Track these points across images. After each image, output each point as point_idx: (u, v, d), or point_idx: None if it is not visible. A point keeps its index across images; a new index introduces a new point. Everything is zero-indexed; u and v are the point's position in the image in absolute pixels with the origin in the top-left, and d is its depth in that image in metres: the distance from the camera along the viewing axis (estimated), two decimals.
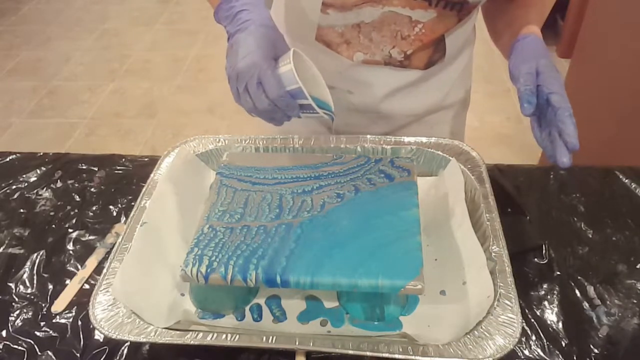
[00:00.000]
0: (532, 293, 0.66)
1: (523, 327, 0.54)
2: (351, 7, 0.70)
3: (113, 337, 0.55)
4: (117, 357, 0.61)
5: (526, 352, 0.60)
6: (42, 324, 0.65)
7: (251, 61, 0.55)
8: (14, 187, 0.86)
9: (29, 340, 0.63)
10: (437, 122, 0.87)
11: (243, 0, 0.60)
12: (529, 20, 0.68)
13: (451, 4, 0.69)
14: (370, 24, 0.72)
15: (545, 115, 0.59)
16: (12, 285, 0.70)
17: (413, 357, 0.52)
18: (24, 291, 0.69)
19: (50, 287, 0.70)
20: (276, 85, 0.55)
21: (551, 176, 0.84)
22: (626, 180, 0.82)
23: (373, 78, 0.78)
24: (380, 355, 0.52)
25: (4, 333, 0.64)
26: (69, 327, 0.65)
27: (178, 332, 0.56)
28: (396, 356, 0.52)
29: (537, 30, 0.66)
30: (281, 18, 0.82)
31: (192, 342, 0.54)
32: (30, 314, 0.66)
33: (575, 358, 0.60)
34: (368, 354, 0.53)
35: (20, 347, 0.63)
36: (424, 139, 0.76)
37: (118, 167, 0.89)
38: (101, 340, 0.63)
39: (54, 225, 0.79)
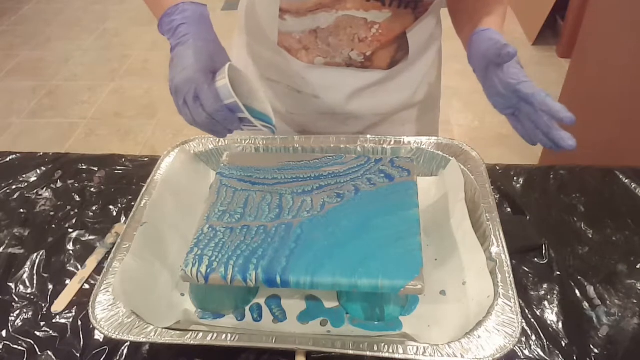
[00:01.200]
0: (532, 293, 0.66)
1: (523, 327, 0.54)
2: (306, 13, 0.70)
3: (113, 337, 0.55)
4: (117, 357, 0.61)
5: (526, 352, 0.60)
6: (42, 324, 0.65)
7: (188, 75, 0.56)
8: (14, 187, 0.86)
9: (29, 340, 0.63)
10: (408, 120, 0.87)
11: (183, 14, 0.60)
12: (489, 11, 0.67)
13: (405, 3, 0.69)
14: (326, 29, 0.72)
15: (520, 109, 0.58)
16: (12, 285, 0.70)
17: (413, 357, 0.52)
18: (24, 291, 0.69)
19: (50, 287, 0.70)
20: (213, 99, 0.55)
21: (551, 176, 0.84)
22: (626, 180, 0.82)
23: (336, 80, 0.77)
24: (380, 355, 0.52)
25: (4, 333, 0.64)
26: (69, 327, 0.65)
27: (178, 332, 0.56)
28: (396, 356, 0.52)
29: (496, 22, 0.66)
30: (242, 24, 0.82)
31: (192, 342, 0.54)
32: (30, 314, 0.66)
33: (575, 358, 0.60)
34: (368, 354, 0.53)
35: (20, 347, 0.63)
36: (424, 139, 0.76)
37: (118, 167, 0.89)
38: (101, 340, 0.63)
39: (54, 225, 0.79)
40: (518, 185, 0.82)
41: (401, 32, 0.73)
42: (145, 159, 0.90)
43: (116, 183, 0.86)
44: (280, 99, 0.83)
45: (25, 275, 0.71)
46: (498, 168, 0.85)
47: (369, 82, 0.78)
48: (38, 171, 0.89)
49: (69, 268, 0.72)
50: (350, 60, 0.75)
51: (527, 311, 0.64)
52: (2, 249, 0.75)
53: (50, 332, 0.64)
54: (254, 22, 0.79)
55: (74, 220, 0.80)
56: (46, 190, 0.85)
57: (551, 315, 0.64)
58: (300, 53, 0.76)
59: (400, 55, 0.77)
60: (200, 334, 0.55)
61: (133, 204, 0.70)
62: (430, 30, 0.78)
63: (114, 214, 0.81)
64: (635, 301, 0.65)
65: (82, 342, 0.63)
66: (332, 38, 0.73)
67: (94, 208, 0.82)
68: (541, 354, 0.60)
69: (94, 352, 0.62)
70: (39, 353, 0.62)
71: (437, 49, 0.84)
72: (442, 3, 0.77)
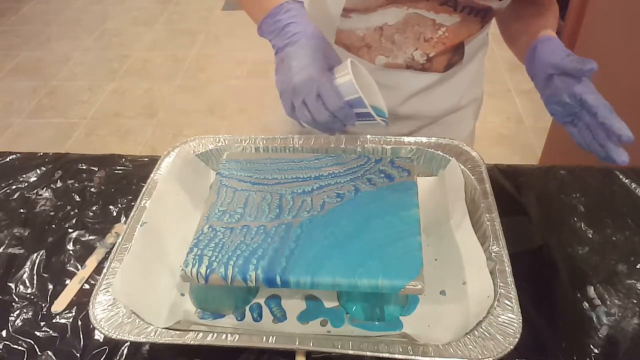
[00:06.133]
0: (532, 293, 0.66)
1: (523, 327, 0.54)
2: (375, 9, 0.70)
3: (113, 337, 0.55)
4: (117, 357, 0.61)
5: (526, 352, 0.60)
6: (42, 324, 0.65)
7: (308, 75, 0.55)
8: (14, 187, 0.86)
9: (29, 340, 0.63)
10: (453, 123, 0.87)
11: (290, 13, 0.59)
12: (546, 24, 0.68)
13: (476, 10, 0.69)
14: (393, 26, 0.71)
15: (581, 118, 0.58)
16: (12, 285, 0.70)
17: (413, 357, 0.52)
18: (24, 291, 0.69)
19: (50, 287, 0.70)
20: (336, 97, 0.54)
21: (551, 176, 0.84)
22: (626, 180, 0.82)
23: (394, 82, 0.77)
24: (380, 355, 0.52)
25: (4, 333, 0.64)
26: (69, 327, 0.65)
27: (178, 332, 0.56)
28: (396, 356, 0.52)
29: (555, 35, 0.66)
30: None
31: (192, 342, 0.54)
32: (30, 314, 0.66)
33: (575, 358, 0.60)
34: (368, 354, 0.53)
35: (20, 347, 0.63)
36: (424, 139, 0.76)
37: (118, 167, 0.89)
38: (101, 340, 0.63)
39: (54, 225, 0.79)
40: (518, 185, 0.82)
41: (466, 38, 0.73)
42: (145, 159, 0.90)
43: (116, 183, 0.86)
44: None
45: (25, 275, 0.71)
46: (498, 168, 0.85)
47: (425, 85, 0.78)
48: (38, 171, 0.89)
49: (69, 268, 0.72)
50: (413, 60, 0.75)
51: (527, 311, 0.64)
52: (2, 249, 0.75)
53: (50, 332, 0.64)
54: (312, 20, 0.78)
55: (74, 220, 0.80)
56: (46, 190, 0.85)
57: (551, 315, 0.64)
58: (361, 50, 0.75)
59: (456, 59, 0.77)
60: (200, 334, 0.55)
61: (133, 204, 0.70)
62: (483, 37, 0.79)
63: (114, 214, 0.81)
64: (635, 301, 0.65)
65: (82, 342, 0.63)
66: (398, 35, 0.72)
67: (94, 208, 0.82)
68: (541, 353, 0.60)
69: (94, 352, 0.62)
70: (39, 353, 0.62)
71: (484, 54, 0.84)
72: None
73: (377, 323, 0.61)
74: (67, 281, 0.70)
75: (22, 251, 0.75)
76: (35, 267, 0.72)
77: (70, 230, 0.78)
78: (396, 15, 0.70)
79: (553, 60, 0.60)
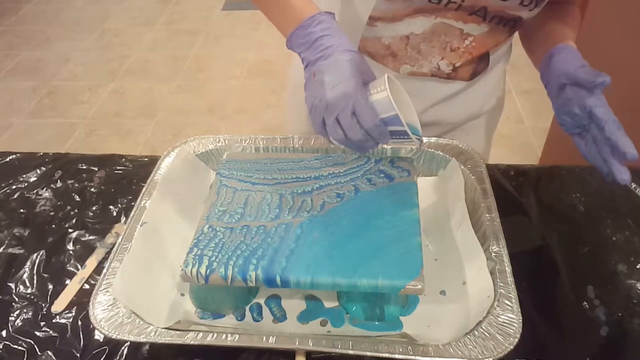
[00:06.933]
0: (532, 293, 0.66)
1: (523, 327, 0.54)
2: (402, 18, 0.69)
3: (113, 337, 0.55)
4: (117, 357, 0.61)
5: (526, 352, 0.60)
6: (42, 324, 0.65)
7: (343, 91, 0.52)
8: (14, 187, 0.86)
9: (29, 340, 0.63)
10: (473, 129, 0.87)
11: (322, 25, 0.56)
12: (566, 35, 0.67)
13: (505, 20, 0.68)
14: (420, 35, 0.70)
15: (589, 131, 0.58)
16: (12, 285, 0.70)
17: (413, 357, 0.52)
18: (24, 291, 0.69)
19: (50, 287, 0.70)
20: (372, 115, 0.51)
21: (551, 176, 0.84)
22: None
23: (418, 90, 0.76)
24: (380, 355, 0.52)
25: (4, 333, 0.64)
26: (69, 327, 0.65)
27: (178, 332, 0.56)
28: (396, 356, 0.52)
29: (573, 44, 0.65)
30: None
31: (192, 342, 0.54)
32: (30, 314, 0.66)
33: (575, 358, 0.60)
34: (368, 354, 0.53)
35: (20, 347, 0.63)
36: (424, 139, 0.76)
37: (118, 167, 0.89)
38: (101, 340, 0.63)
39: (54, 225, 0.79)
40: (518, 185, 0.82)
41: (493, 47, 0.73)
42: (145, 159, 0.90)
43: (116, 183, 0.86)
44: None
45: (25, 275, 0.71)
46: (498, 168, 0.85)
47: (449, 93, 0.78)
48: (38, 171, 0.89)
49: (69, 268, 0.72)
50: (438, 70, 0.74)
51: (527, 311, 0.64)
52: (2, 249, 0.75)
53: (50, 332, 0.64)
54: None
55: (74, 220, 0.80)
56: (46, 190, 0.85)
57: (551, 315, 0.64)
58: (386, 59, 0.74)
59: (481, 67, 0.77)
60: (200, 334, 0.55)
61: (133, 204, 0.70)
62: (508, 46, 0.79)
63: (114, 214, 0.81)
64: (635, 301, 0.65)
65: (82, 342, 0.63)
66: (424, 45, 0.71)
67: (94, 208, 0.82)
68: (541, 353, 0.60)
69: (94, 352, 0.62)
70: (39, 353, 0.62)
71: (506, 61, 0.84)
72: None
73: (377, 323, 0.61)
74: (67, 281, 0.70)
75: (22, 251, 0.75)
76: (35, 267, 0.72)
77: (70, 230, 0.78)
78: (423, 24, 0.69)
79: (567, 69, 0.59)
